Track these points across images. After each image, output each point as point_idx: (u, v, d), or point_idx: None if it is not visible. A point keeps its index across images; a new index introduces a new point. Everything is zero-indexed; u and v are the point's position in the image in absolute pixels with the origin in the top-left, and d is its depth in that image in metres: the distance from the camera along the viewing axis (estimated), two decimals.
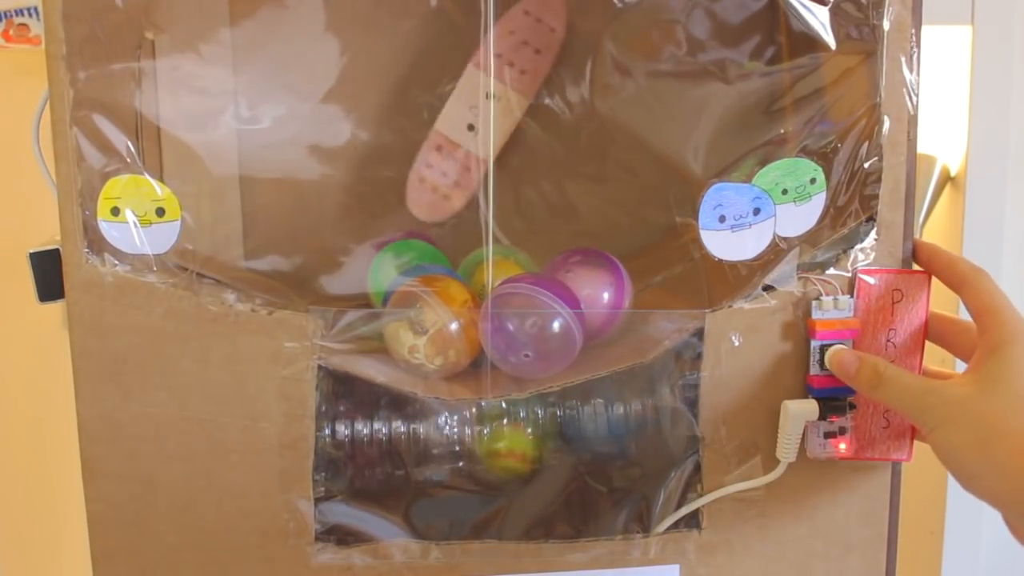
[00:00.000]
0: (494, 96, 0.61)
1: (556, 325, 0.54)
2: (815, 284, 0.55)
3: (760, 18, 0.60)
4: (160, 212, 0.53)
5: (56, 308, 0.56)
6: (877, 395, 0.52)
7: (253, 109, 0.62)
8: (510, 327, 0.54)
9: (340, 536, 0.57)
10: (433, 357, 0.55)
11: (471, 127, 0.61)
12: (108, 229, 0.52)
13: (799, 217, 0.54)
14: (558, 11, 0.62)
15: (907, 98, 0.54)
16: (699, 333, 0.55)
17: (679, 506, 0.57)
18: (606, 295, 0.57)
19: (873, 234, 0.55)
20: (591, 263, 0.58)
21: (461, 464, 0.60)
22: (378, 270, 0.60)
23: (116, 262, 0.53)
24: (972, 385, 0.50)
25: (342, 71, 0.63)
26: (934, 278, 0.56)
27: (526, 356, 0.55)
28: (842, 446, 0.56)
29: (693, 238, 0.54)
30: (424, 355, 0.55)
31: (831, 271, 0.55)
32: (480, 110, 0.61)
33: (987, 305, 0.51)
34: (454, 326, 0.55)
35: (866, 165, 0.54)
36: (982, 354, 0.50)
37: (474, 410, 0.59)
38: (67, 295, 0.53)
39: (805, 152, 0.54)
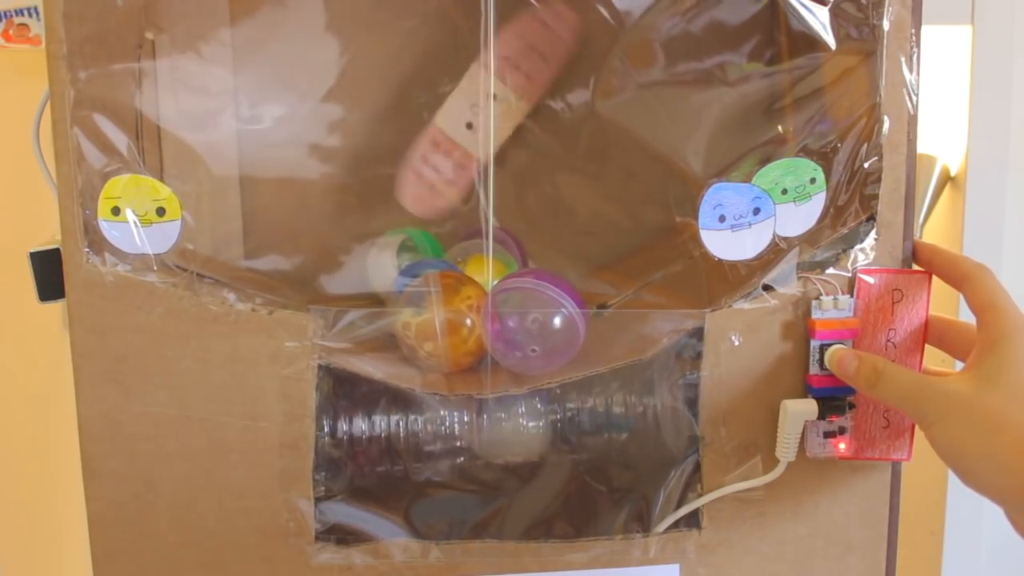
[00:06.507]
0: (496, 97, 0.61)
1: (562, 319, 0.54)
2: (815, 284, 0.55)
3: (760, 18, 0.60)
4: (160, 212, 0.53)
5: (56, 308, 0.56)
6: (876, 393, 0.52)
7: (253, 109, 0.62)
8: (517, 323, 0.54)
9: (340, 536, 0.57)
10: (422, 341, 0.55)
11: (470, 125, 0.61)
12: (108, 229, 0.52)
13: (799, 217, 0.54)
14: (570, 22, 0.62)
15: (907, 98, 0.54)
16: (699, 333, 0.55)
17: (679, 506, 0.57)
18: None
19: (873, 234, 0.55)
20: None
21: (461, 460, 0.60)
22: (377, 256, 0.60)
23: (116, 262, 0.53)
24: (971, 380, 0.50)
25: (342, 71, 0.63)
26: (934, 278, 0.56)
27: (533, 351, 0.55)
28: (842, 446, 0.56)
29: (692, 235, 0.54)
30: (414, 336, 0.55)
31: (831, 271, 0.55)
32: (480, 109, 0.61)
33: (987, 301, 0.51)
34: (441, 322, 0.55)
35: (866, 165, 0.54)
36: (981, 349, 0.50)
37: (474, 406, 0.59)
38: (67, 295, 0.53)
39: (805, 152, 0.54)
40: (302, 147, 0.63)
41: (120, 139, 0.53)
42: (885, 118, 0.54)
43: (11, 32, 0.81)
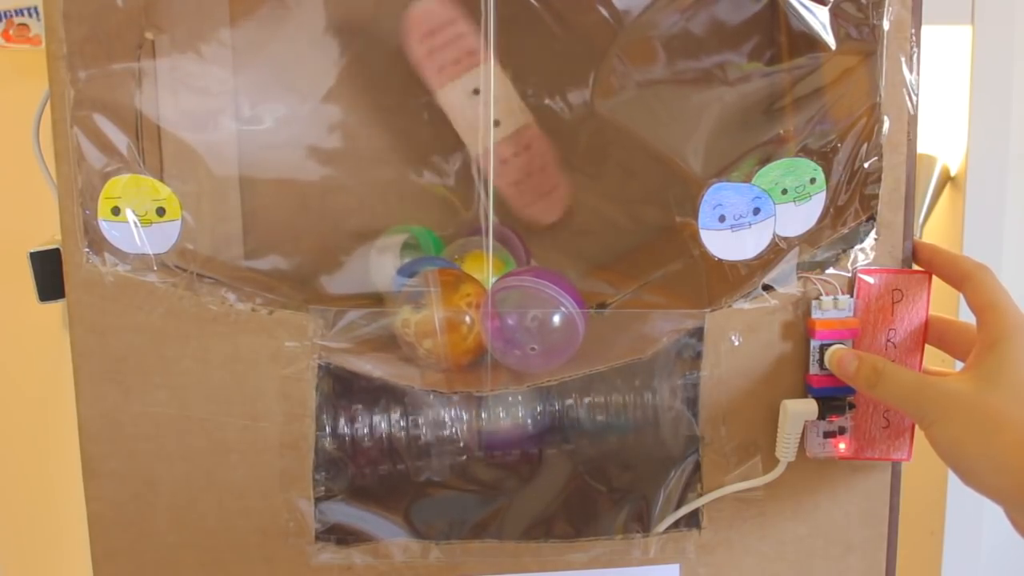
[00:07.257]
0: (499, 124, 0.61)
1: (561, 317, 0.54)
2: (815, 284, 0.55)
3: (760, 18, 0.60)
4: (160, 212, 0.53)
5: (56, 308, 0.56)
6: (876, 393, 0.52)
7: (253, 109, 0.62)
8: (516, 321, 0.54)
9: (340, 536, 0.57)
10: (422, 339, 0.55)
11: (476, 91, 0.61)
12: (108, 229, 0.53)
13: (799, 217, 0.54)
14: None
15: (907, 98, 0.54)
16: (699, 332, 0.55)
17: (679, 506, 0.57)
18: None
19: (873, 234, 0.55)
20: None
21: (461, 458, 0.60)
22: (380, 255, 0.60)
23: (116, 262, 0.53)
24: (971, 379, 0.50)
25: (342, 71, 0.63)
26: (934, 278, 0.56)
27: (532, 349, 0.55)
28: (842, 446, 0.56)
29: (692, 234, 0.54)
30: (413, 333, 0.55)
31: (831, 271, 0.55)
32: (481, 107, 0.61)
33: (987, 300, 0.51)
34: (440, 319, 0.55)
35: (866, 165, 0.54)
36: (981, 349, 0.50)
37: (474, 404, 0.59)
38: (67, 295, 0.53)
39: (805, 152, 0.54)
40: (302, 147, 0.63)
41: (120, 139, 0.53)
42: (885, 118, 0.54)
43: (11, 32, 0.81)
